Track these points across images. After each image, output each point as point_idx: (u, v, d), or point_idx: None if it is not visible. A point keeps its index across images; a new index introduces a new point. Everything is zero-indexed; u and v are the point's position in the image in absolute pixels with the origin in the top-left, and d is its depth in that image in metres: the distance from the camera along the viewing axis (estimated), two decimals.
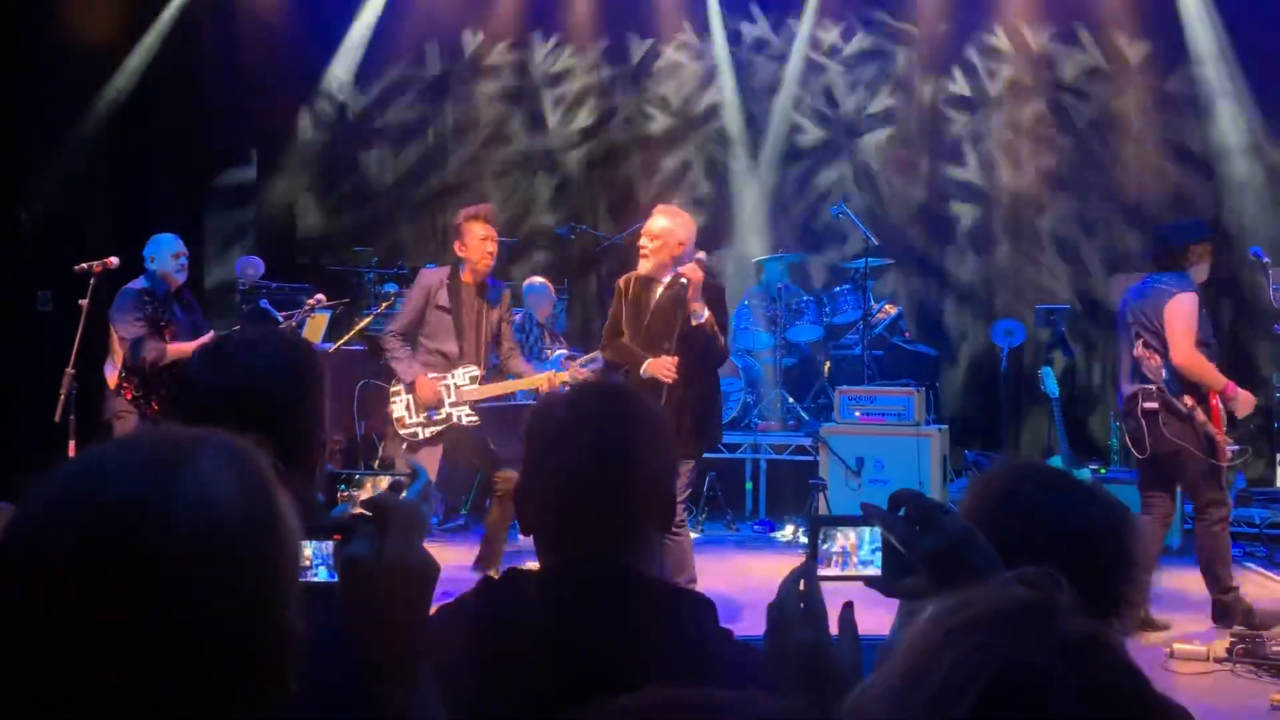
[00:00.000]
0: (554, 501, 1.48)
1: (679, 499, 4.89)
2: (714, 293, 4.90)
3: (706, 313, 4.76)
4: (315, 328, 6.90)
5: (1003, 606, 0.80)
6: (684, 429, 4.78)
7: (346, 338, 6.34)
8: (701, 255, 4.89)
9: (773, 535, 7.48)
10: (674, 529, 4.90)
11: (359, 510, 1.83)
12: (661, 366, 4.81)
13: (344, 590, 1.16)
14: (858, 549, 1.34)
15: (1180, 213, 8.76)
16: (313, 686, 1.13)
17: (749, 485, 8.11)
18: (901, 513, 1.27)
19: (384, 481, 1.85)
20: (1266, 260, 4.71)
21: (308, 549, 1.27)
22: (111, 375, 5.83)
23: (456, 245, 5.48)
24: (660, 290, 4.93)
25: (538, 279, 8.17)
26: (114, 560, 0.89)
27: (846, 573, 1.33)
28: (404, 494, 1.74)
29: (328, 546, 1.24)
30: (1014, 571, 1.06)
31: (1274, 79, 8.32)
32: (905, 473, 7.15)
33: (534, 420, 1.58)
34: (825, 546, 1.34)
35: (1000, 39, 9.22)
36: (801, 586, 1.30)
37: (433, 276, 5.51)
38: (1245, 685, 4.43)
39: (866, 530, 1.33)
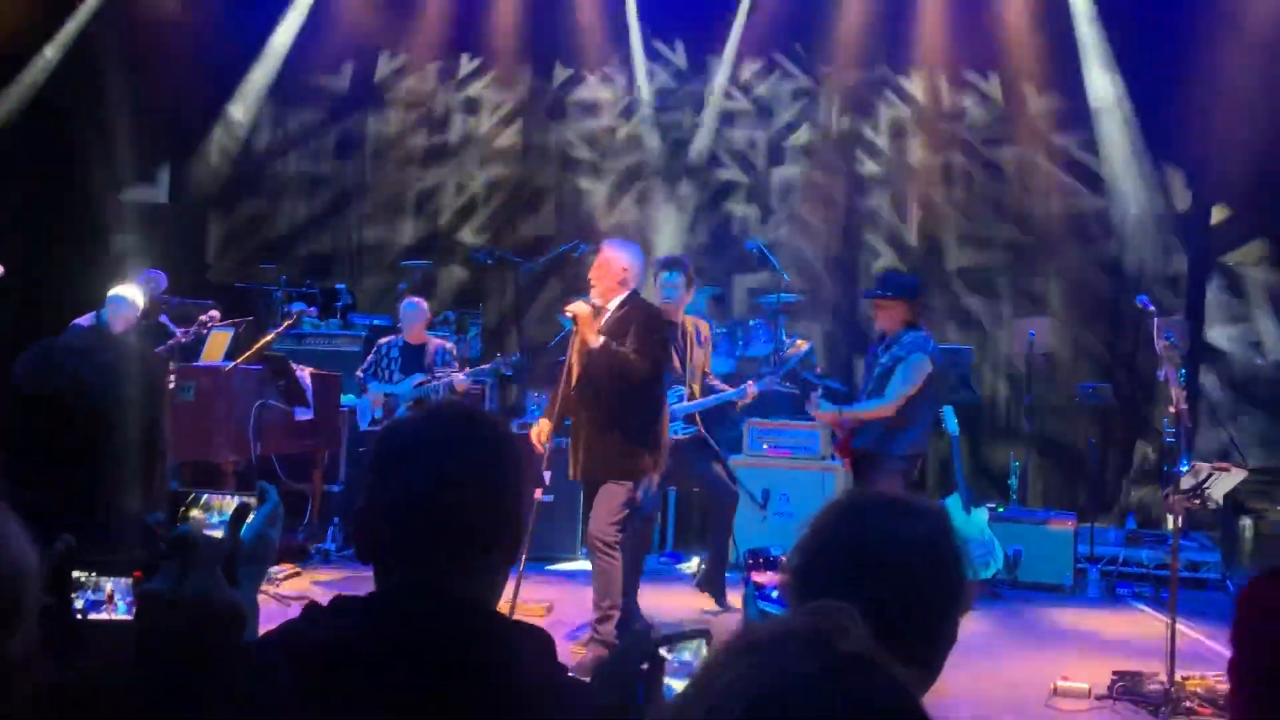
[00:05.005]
0: (389, 526, 1.44)
1: (615, 520, 4.87)
2: (643, 316, 5.05)
3: (602, 339, 4.94)
4: (217, 345, 6.73)
5: (783, 631, 0.81)
6: (611, 451, 4.95)
7: (245, 356, 6.20)
8: (596, 300, 5.06)
9: (679, 568, 7.46)
10: (606, 551, 4.91)
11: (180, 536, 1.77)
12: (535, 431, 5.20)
13: (139, 626, 1.13)
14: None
15: (1085, 256, 9.03)
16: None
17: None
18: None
19: (231, 503, 1.78)
20: (1152, 309, 4.85)
21: (108, 585, 1.23)
22: None
23: (693, 285, 6.12)
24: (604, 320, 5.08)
25: (414, 298, 7.62)
26: None
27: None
28: (251, 515, 1.68)
29: (128, 582, 1.20)
30: (809, 604, 1.06)
31: (1169, 129, 8.64)
32: (811, 506, 6.90)
33: (378, 443, 1.54)
34: (680, 656, 1.28)
35: (914, 84, 9.41)
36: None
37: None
38: None
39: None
